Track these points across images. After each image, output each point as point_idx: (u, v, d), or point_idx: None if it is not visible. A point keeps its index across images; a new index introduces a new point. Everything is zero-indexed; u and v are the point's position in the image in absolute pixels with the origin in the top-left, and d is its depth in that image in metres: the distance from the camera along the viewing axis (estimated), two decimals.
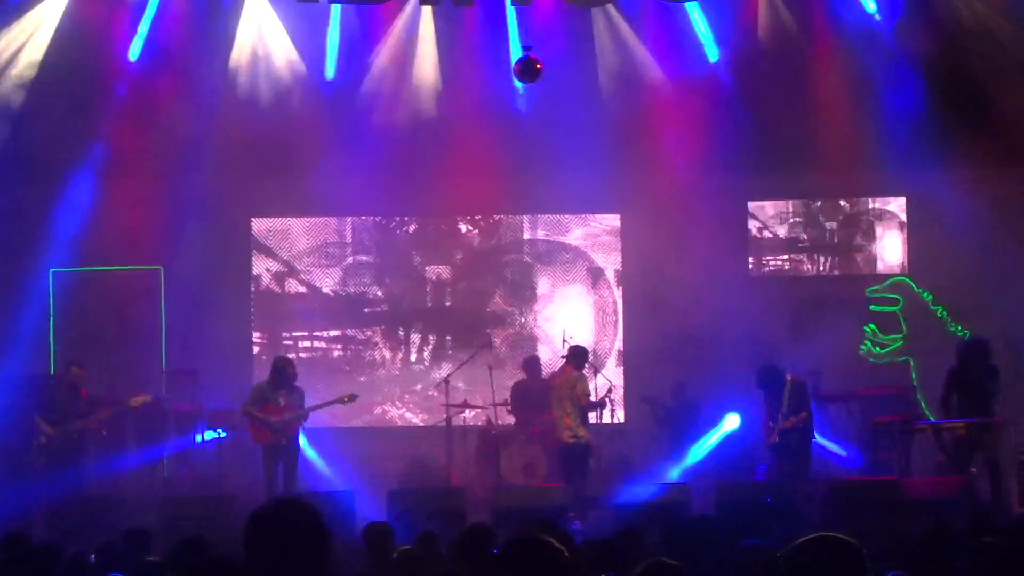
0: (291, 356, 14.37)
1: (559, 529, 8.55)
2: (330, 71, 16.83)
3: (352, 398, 14.44)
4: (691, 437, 16.00)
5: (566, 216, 17.79)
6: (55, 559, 7.45)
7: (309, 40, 16.70)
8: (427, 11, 16.52)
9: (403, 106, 16.75)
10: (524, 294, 17.76)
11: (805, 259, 17.78)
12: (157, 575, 7.00)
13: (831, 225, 17.81)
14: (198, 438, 15.53)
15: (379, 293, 17.78)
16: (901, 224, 17.66)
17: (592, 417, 15.03)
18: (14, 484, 14.00)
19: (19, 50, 16.10)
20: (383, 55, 16.85)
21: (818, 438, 14.39)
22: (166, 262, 17.29)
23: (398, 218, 17.79)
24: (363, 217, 17.79)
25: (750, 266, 17.74)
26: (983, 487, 13.36)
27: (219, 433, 15.29)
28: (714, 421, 16.21)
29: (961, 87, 16.25)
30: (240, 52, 16.49)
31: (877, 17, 16.40)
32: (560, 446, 14.65)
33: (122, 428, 15.32)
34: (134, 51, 16.40)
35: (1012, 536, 7.65)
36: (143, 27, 16.31)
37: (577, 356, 14.87)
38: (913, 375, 16.81)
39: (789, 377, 13.82)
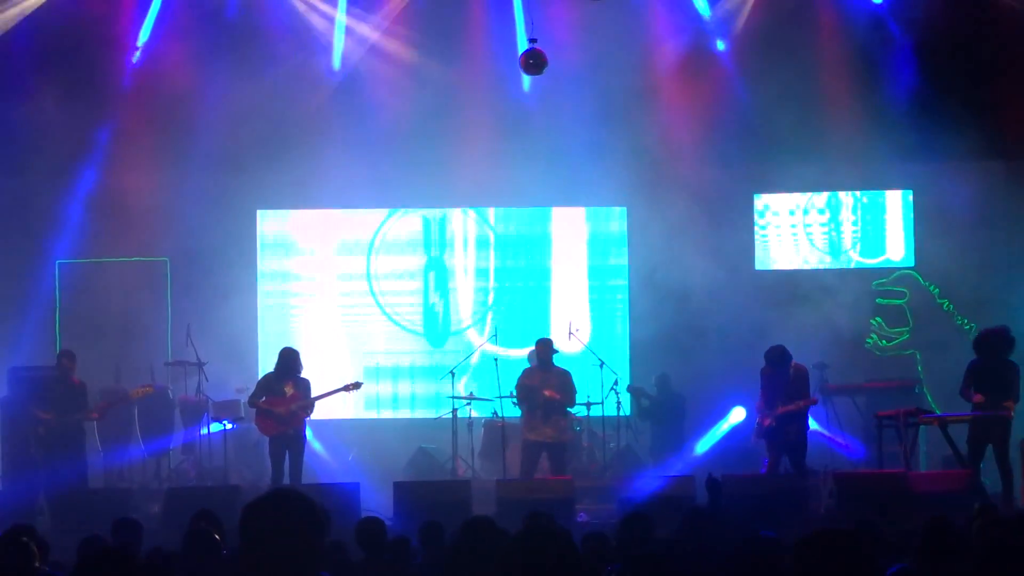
0: (297, 348, 14.33)
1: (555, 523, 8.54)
2: (336, 62, 16.83)
3: (356, 386, 14.47)
4: (674, 429, 15.95)
5: (572, 208, 17.78)
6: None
7: (315, 31, 16.71)
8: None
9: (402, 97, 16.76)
10: (530, 285, 17.75)
11: (811, 252, 17.74)
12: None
13: (838, 217, 17.77)
14: (204, 430, 15.54)
15: (384, 284, 17.79)
16: (907, 217, 17.61)
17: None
18: (17, 476, 14.02)
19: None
20: (386, 47, 16.86)
21: (812, 424, 14.17)
22: (172, 254, 17.32)
23: (403, 209, 17.80)
24: (368, 209, 17.79)
25: (756, 258, 17.71)
26: (988, 482, 13.34)
27: (225, 424, 15.30)
28: (700, 413, 16.19)
29: (968, 79, 16.19)
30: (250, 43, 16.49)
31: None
32: None
33: (128, 419, 15.32)
34: (142, 39, 16.41)
35: (1017, 529, 7.63)
36: (151, 15, 16.31)
37: (537, 350, 14.62)
38: (919, 368, 16.78)
39: (793, 363, 13.72)
